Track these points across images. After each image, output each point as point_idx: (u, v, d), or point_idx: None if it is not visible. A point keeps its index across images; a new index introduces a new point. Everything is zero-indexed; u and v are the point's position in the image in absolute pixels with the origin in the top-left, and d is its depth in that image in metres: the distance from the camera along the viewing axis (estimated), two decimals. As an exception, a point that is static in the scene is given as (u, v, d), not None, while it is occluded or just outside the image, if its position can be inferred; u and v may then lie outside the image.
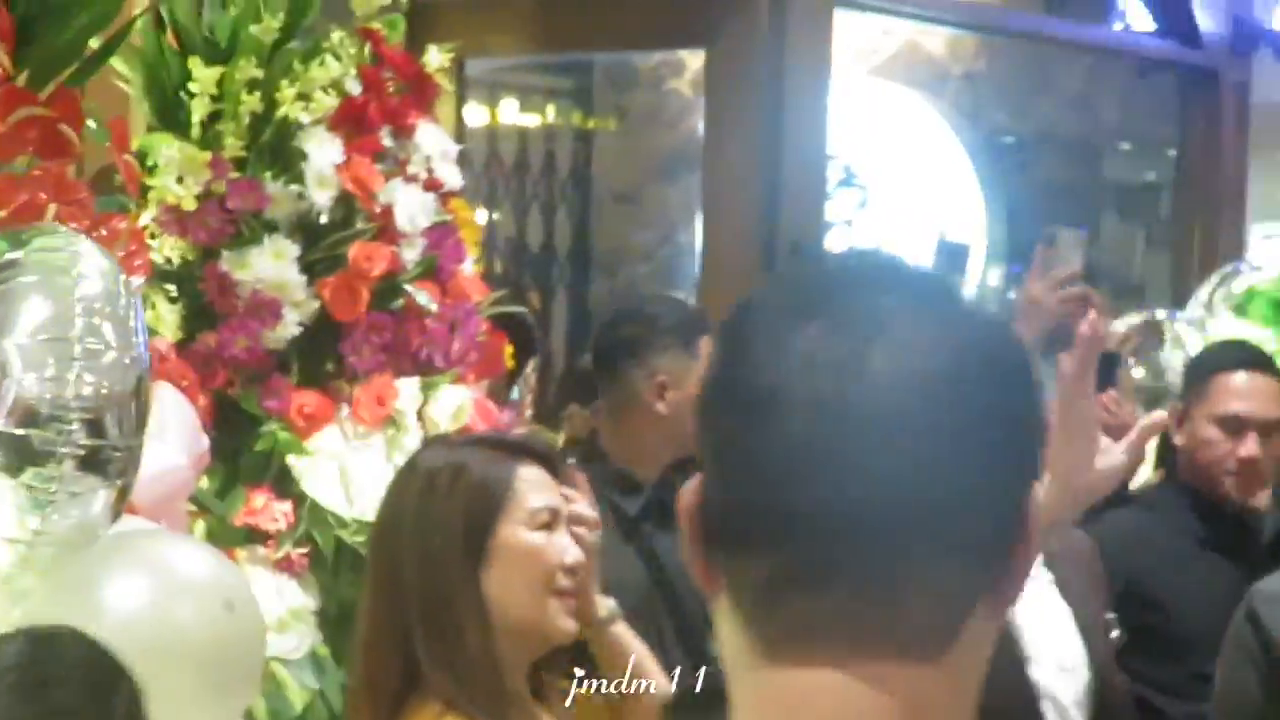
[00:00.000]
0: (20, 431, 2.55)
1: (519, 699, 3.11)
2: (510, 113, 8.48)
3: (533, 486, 3.14)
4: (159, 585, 2.66)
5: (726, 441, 1.41)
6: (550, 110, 8.66)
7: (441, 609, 3.06)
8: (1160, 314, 6.39)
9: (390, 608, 2.96)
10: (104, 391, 2.56)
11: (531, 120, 8.64)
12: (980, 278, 8.91)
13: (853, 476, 1.41)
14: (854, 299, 1.48)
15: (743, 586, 1.40)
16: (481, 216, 8.36)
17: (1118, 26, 8.69)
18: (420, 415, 3.59)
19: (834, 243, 7.58)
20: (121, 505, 2.65)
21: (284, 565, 3.42)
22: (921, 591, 1.43)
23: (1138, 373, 5.99)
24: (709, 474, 1.42)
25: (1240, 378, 4.55)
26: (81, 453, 2.52)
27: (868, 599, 1.41)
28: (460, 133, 7.18)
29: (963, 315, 1.49)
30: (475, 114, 8.02)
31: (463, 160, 7.31)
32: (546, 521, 3.12)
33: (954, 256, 7.53)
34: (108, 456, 2.57)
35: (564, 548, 3.12)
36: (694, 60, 7.15)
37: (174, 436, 3.00)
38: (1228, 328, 5.83)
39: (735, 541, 1.40)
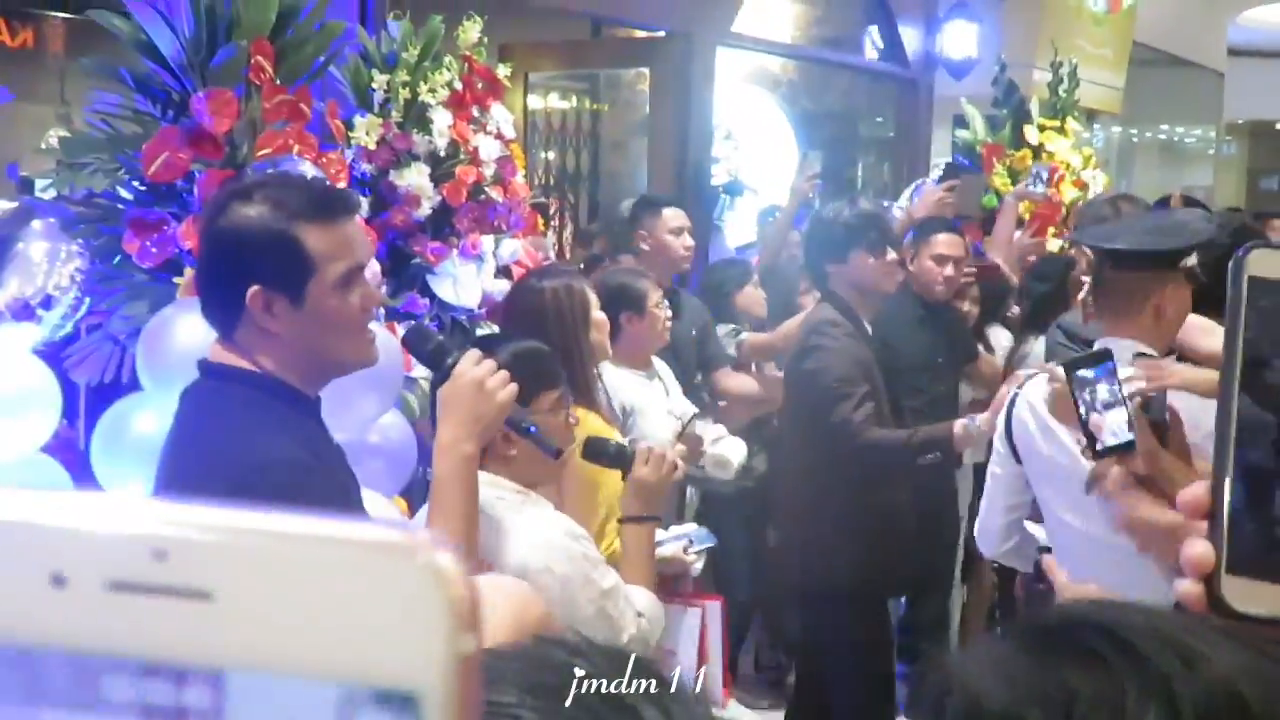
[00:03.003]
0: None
1: None
2: (555, 101, 8.33)
3: (591, 289, 3.06)
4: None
5: None
6: (575, 100, 8.51)
7: (575, 357, 2.86)
8: (885, 203, 6.31)
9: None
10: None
11: (566, 105, 8.49)
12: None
13: None
14: None
15: None
16: (542, 156, 8.31)
17: (869, 55, 8.56)
18: (494, 253, 3.57)
19: (718, 170, 7.45)
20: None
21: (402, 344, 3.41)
22: None
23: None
24: None
25: (943, 236, 4.46)
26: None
27: None
28: (526, 113, 7.12)
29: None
30: (535, 102, 7.91)
31: (529, 127, 7.34)
32: None
33: (734, 188, 7.42)
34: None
35: None
36: (649, 75, 7.01)
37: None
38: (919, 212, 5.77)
39: None
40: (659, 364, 3.70)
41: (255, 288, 1.77)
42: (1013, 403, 2.86)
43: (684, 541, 2.95)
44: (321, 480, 1.75)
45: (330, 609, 0.33)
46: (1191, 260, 2.67)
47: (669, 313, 3.65)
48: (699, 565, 3.01)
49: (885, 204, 6.12)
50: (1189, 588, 0.69)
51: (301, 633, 0.33)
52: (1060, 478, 2.71)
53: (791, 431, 3.85)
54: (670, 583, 2.78)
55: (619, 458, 2.41)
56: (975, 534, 3.02)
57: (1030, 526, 2.97)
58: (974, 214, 5.52)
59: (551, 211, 6.63)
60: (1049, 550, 2.82)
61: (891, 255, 3.80)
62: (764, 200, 6.90)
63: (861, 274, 3.74)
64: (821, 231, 3.87)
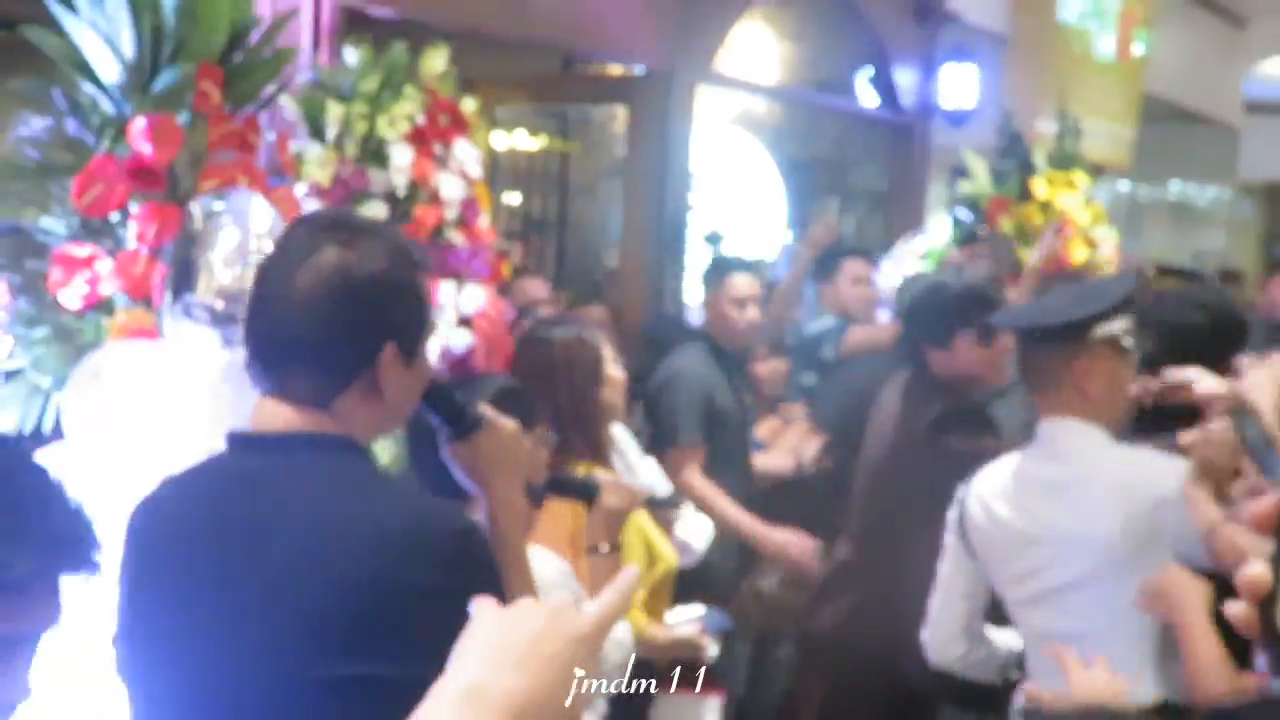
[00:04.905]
0: (219, 305, 2.52)
1: None
2: (522, 139, 8.38)
3: (604, 342, 3.14)
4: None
5: None
6: (544, 138, 8.56)
7: (587, 415, 3.01)
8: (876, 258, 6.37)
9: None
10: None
11: (534, 144, 8.54)
12: (779, 236, 8.89)
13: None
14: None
15: None
16: (507, 199, 8.35)
17: (860, 100, 8.65)
18: (455, 303, 3.56)
19: (697, 219, 7.51)
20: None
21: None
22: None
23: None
24: None
25: (741, 279, 4.55)
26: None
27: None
28: (490, 150, 7.15)
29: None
30: (501, 140, 7.96)
31: (494, 166, 7.37)
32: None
33: (714, 238, 7.47)
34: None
35: None
36: (624, 113, 7.06)
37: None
38: (913, 266, 5.85)
39: None
40: (619, 435, 3.63)
41: (392, 344, 1.75)
42: (962, 501, 2.89)
43: (697, 624, 3.00)
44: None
45: None
46: (1116, 327, 2.67)
47: (621, 373, 3.58)
48: (714, 650, 3.04)
49: (876, 260, 6.20)
50: (1243, 611, 0.70)
51: None
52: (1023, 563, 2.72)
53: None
54: (682, 669, 2.86)
55: (586, 489, 2.50)
56: (924, 640, 3.01)
57: (997, 633, 2.97)
58: (1005, 275, 5.56)
59: (516, 259, 6.64)
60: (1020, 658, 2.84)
61: (1005, 341, 3.61)
62: (748, 251, 6.95)
63: (965, 362, 3.65)
64: (922, 309, 3.73)
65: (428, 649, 1.22)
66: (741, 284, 4.54)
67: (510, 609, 1.16)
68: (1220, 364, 2.65)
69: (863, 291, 5.57)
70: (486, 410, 1.98)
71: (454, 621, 1.17)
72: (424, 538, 1.64)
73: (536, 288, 5.42)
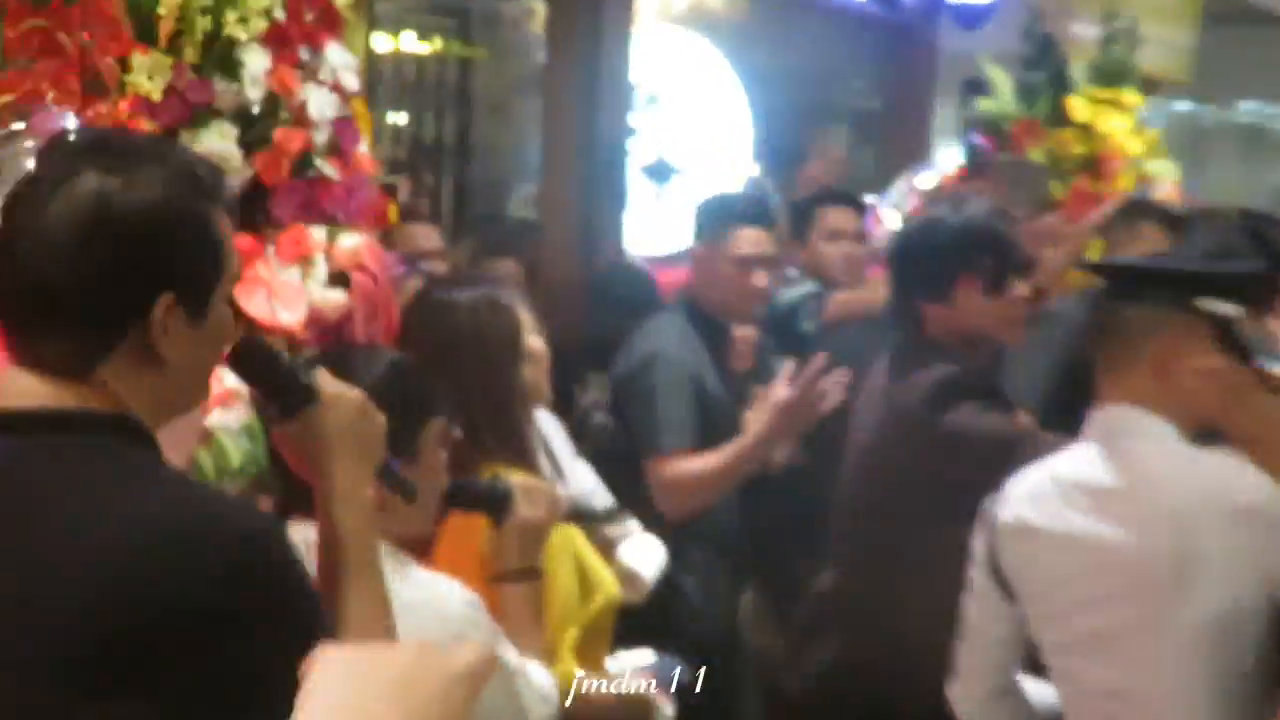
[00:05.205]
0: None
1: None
2: (409, 43, 8.36)
3: (522, 306, 3.16)
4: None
5: None
6: (439, 42, 8.54)
7: (502, 400, 3.02)
8: (870, 198, 6.42)
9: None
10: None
11: (425, 49, 8.52)
12: (749, 170, 8.93)
13: None
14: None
15: None
16: (392, 119, 8.33)
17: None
18: (327, 253, 3.56)
19: (638, 145, 7.53)
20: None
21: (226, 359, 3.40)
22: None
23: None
24: None
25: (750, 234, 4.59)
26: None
27: None
28: (369, 56, 7.11)
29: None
30: (383, 43, 7.95)
31: (374, 76, 7.34)
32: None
33: (660, 171, 7.54)
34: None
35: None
36: (543, 9, 7.05)
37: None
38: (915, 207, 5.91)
39: None
40: (547, 425, 3.62)
41: (169, 295, 1.77)
42: (992, 514, 2.89)
43: (647, 675, 3.01)
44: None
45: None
46: (1230, 310, 2.65)
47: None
48: (669, 712, 3.04)
49: (870, 200, 6.25)
50: None
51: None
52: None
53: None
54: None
55: (493, 498, 2.52)
56: (951, 697, 3.02)
57: (1033, 684, 3.00)
58: (1034, 210, 5.59)
59: (404, 196, 6.62)
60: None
61: (1019, 289, 3.67)
62: (703, 188, 6.97)
63: (970, 317, 3.68)
64: (912, 254, 3.75)
65: (197, 689, 1.21)
66: (750, 240, 4.54)
67: (363, 650, 1.16)
68: None
69: (844, 248, 5.59)
70: (323, 378, 2.00)
71: (235, 653, 1.17)
72: (196, 546, 1.65)
73: (427, 235, 5.38)
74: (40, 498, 1.71)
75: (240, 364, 2.00)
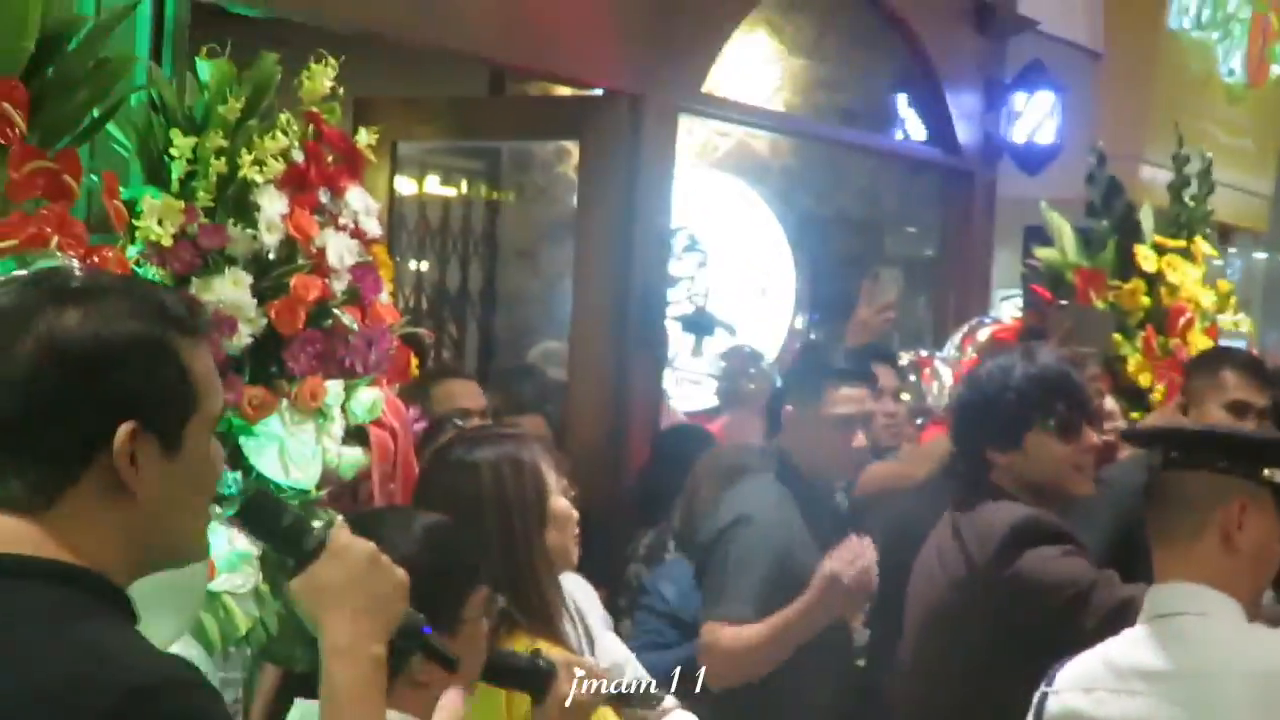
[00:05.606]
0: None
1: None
2: (434, 185, 8.45)
3: (548, 465, 3.16)
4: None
5: None
6: (465, 184, 8.63)
7: (525, 564, 3.02)
8: (924, 352, 6.44)
9: None
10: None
11: (451, 192, 8.60)
12: (791, 321, 8.97)
13: None
14: None
15: None
16: (414, 266, 8.40)
17: (899, 135, 8.77)
18: (343, 408, 3.58)
19: (678, 295, 7.60)
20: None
21: (234, 521, 3.41)
22: None
23: (904, 395, 6.01)
24: None
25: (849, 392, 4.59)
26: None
27: None
28: (392, 199, 7.20)
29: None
30: (406, 185, 8.01)
31: (396, 220, 7.42)
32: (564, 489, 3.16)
33: (702, 323, 7.60)
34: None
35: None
36: (576, 149, 7.12)
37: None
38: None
39: None
40: (578, 591, 3.63)
41: (130, 424, 1.79)
42: (1040, 705, 2.89)
43: None
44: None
45: None
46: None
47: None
48: None
49: (924, 354, 6.26)
50: None
51: None
52: None
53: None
54: None
55: (532, 675, 2.52)
56: None
57: None
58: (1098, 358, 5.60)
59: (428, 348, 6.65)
60: None
61: (1091, 437, 3.75)
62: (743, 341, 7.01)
63: (1042, 465, 3.75)
64: (983, 401, 3.83)
65: None
66: (850, 398, 4.57)
67: None
68: None
69: (885, 407, 5.54)
70: (338, 531, 2.01)
71: None
72: (75, 701, 1.65)
73: (467, 391, 5.37)
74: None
75: (245, 517, 2.01)
